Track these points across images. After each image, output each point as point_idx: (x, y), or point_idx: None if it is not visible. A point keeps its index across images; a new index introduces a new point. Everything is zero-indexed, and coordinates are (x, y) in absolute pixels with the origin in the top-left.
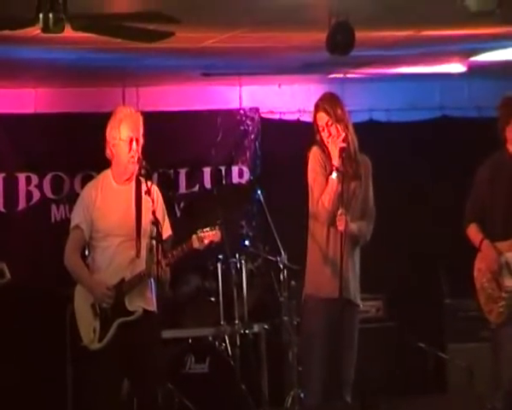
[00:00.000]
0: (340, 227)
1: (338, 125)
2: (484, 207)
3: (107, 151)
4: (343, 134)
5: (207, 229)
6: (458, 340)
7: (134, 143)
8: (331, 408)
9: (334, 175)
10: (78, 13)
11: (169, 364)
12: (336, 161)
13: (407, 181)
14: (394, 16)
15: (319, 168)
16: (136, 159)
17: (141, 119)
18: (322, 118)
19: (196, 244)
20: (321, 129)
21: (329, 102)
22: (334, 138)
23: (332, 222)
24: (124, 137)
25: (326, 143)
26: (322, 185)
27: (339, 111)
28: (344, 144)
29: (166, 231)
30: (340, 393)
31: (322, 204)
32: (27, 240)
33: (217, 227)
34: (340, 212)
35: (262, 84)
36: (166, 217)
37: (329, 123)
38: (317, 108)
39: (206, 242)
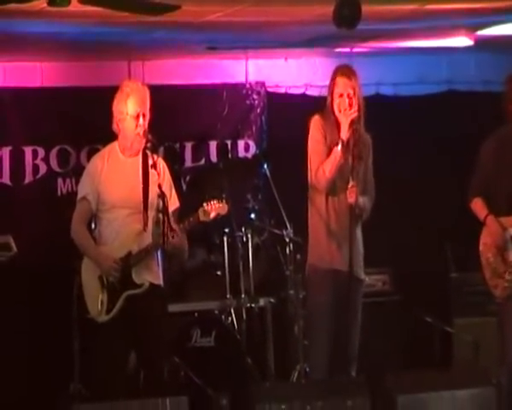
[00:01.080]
0: (351, 199)
1: (354, 98)
2: (488, 181)
3: (114, 125)
4: (356, 107)
5: (214, 202)
6: (464, 314)
7: (141, 118)
8: (337, 382)
9: (339, 147)
10: None
11: (175, 337)
12: (345, 133)
13: (413, 155)
14: None
15: (320, 137)
16: (142, 133)
17: (148, 93)
18: (344, 84)
19: (203, 217)
20: (337, 95)
21: (353, 74)
22: (347, 110)
23: (334, 195)
24: (131, 112)
25: (337, 110)
26: (322, 155)
27: (357, 85)
28: (355, 119)
29: (174, 204)
30: (346, 367)
31: (322, 172)
32: (34, 213)
33: (223, 200)
34: (351, 184)
35: (268, 58)
36: (173, 189)
37: (350, 94)
38: (340, 73)
39: (212, 215)
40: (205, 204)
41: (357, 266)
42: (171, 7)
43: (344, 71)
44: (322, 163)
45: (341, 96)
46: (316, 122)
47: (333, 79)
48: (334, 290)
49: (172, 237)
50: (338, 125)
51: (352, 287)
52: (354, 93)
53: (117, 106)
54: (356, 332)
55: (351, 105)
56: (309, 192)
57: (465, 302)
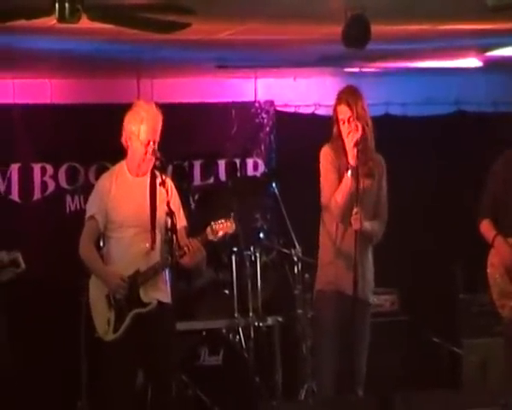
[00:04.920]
0: (356, 226)
1: (358, 122)
2: (497, 203)
3: (123, 140)
4: (360, 131)
5: (222, 221)
6: (472, 335)
7: (151, 144)
8: (345, 402)
9: (350, 173)
10: (94, 3)
11: (183, 356)
12: (352, 158)
13: (422, 176)
14: (410, 10)
15: (330, 166)
16: (150, 157)
17: (161, 118)
18: (344, 112)
19: (211, 236)
20: (341, 122)
21: (352, 96)
22: (352, 134)
23: (344, 220)
24: (142, 139)
25: (343, 136)
26: (333, 183)
27: (360, 107)
28: (359, 139)
29: (181, 222)
30: (353, 387)
31: (335, 201)
32: (42, 230)
33: (231, 219)
34: (355, 211)
35: (277, 77)
36: (181, 208)
37: (351, 118)
38: (340, 100)
39: (220, 233)
40: (213, 223)
41: (366, 289)
42: (181, 25)
43: (342, 98)
44: (334, 192)
45: (344, 123)
46: (325, 153)
47: (334, 108)
48: (339, 311)
49: (180, 255)
50: (346, 151)
51: (359, 310)
52: (355, 117)
53: (128, 124)
54: (363, 353)
55: (351, 130)
56: (321, 214)
57: (473, 323)
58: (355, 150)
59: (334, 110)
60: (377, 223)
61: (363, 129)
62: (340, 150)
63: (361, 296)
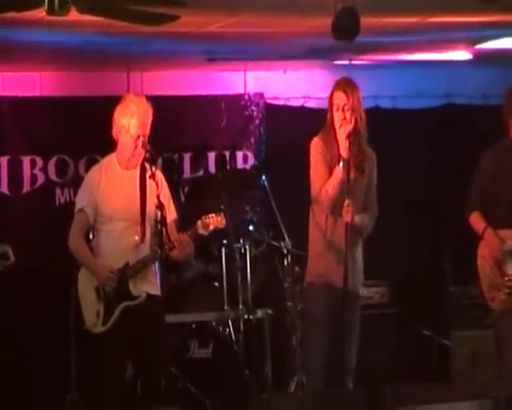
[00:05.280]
0: (347, 218)
1: (352, 113)
2: (486, 195)
3: (113, 133)
4: (353, 123)
5: (212, 215)
6: (462, 327)
7: (141, 138)
8: (334, 395)
9: (341, 165)
10: None
11: (172, 348)
12: (344, 150)
13: (412, 168)
14: (400, 2)
15: (320, 157)
16: (140, 151)
17: (151, 111)
18: (340, 98)
19: (201, 230)
20: (335, 108)
21: (350, 86)
22: (344, 124)
23: (335, 211)
24: (132, 133)
25: (336, 126)
26: (323, 175)
27: (356, 98)
28: (351, 131)
29: (172, 215)
30: (342, 379)
31: (325, 192)
32: (32, 223)
33: (221, 213)
34: (346, 203)
35: (267, 70)
36: (171, 201)
37: (346, 107)
38: (337, 86)
39: (210, 228)
40: (203, 217)
41: (356, 281)
42: (171, 17)
43: (340, 84)
44: (324, 183)
45: (338, 109)
46: (315, 144)
47: (331, 94)
48: (329, 304)
49: (170, 248)
50: (338, 142)
51: (348, 303)
52: (350, 106)
53: (119, 118)
54: (353, 345)
55: (344, 118)
56: (311, 206)
57: (463, 315)
58: (347, 142)
59: (330, 97)
60: (367, 216)
61: (356, 121)
62: (332, 141)
63: (351, 289)
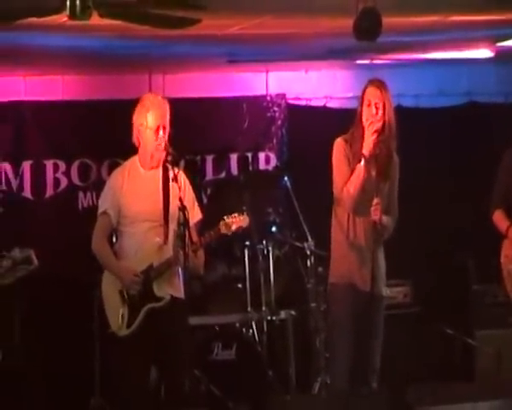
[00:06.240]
0: (375, 216)
1: (380, 109)
2: (509, 193)
3: (134, 138)
4: (381, 117)
5: (235, 215)
6: (486, 326)
7: (161, 130)
8: (358, 395)
9: (362, 162)
10: (105, 0)
11: (196, 351)
12: (368, 147)
13: (434, 167)
14: (421, 2)
15: (343, 158)
16: (162, 146)
17: (167, 106)
18: (373, 94)
19: (224, 230)
20: (366, 103)
21: (384, 86)
22: (374, 120)
23: (357, 211)
24: (151, 125)
25: (365, 122)
26: (346, 175)
27: (388, 100)
28: (379, 129)
29: (197, 216)
30: (367, 379)
31: (347, 191)
32: (55, 227)
33: (244, 213)
34: (375, 201)
35: (288, 70)
36: (196, 202)
37: (378, 104)
38: (371, 83)
39: (233, 227)
40: (226, 217)
41: (379, 282)
42: (192, 20)
43: (374, 82)
44: (346, 183)
45: (369, 105)
46: (338, 145)
47: (363, 90)
48: (353, 305)
49: (194, 250)
50: (363, 141)
51: (373, 304)
52: (382, 104)
53: (137, 119)
54: (377, 345)
55: (376, 114)
56: (333, 206)
57: (486, 314)
58: (373, 138)
59: (363, 92)
60: (390, 219)
61: (385, 122)
62: (356, 139)
63: (375, 290)
